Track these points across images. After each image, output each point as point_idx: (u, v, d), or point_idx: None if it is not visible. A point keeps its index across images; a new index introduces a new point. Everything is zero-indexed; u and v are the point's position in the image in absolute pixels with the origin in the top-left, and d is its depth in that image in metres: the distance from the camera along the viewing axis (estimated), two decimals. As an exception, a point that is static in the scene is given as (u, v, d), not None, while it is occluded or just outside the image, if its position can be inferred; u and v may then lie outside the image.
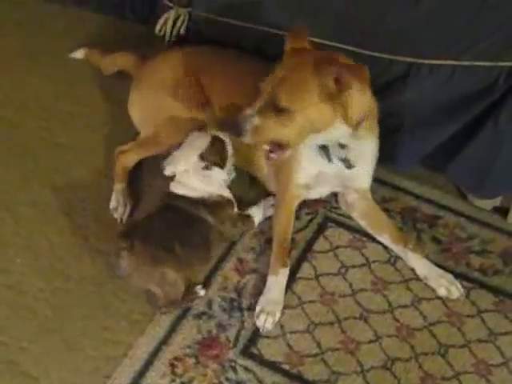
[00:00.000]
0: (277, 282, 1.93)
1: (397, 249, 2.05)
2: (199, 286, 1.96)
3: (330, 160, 1.93)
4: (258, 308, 1.90)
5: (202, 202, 1.97)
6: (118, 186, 2.18)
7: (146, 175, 2.26)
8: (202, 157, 1.96)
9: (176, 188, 1.99)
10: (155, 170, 2.09)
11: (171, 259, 1.84)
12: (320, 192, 2.12)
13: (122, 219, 2.14)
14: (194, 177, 1.97)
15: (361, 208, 2.11)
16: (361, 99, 1.77)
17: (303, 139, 1.80)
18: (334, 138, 1.84)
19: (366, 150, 1.96)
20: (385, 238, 2.07)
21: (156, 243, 1.84)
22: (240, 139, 1.80)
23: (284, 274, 1.95)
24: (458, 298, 1.95)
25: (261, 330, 1.87)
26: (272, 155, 1.84)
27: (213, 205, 1.98)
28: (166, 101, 2.16)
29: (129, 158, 2.20)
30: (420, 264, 2.01)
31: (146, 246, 1.82)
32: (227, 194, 2.03)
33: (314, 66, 1.71)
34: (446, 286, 1.96)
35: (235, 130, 1.78)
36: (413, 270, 2.01)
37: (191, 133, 2.04)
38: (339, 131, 1.80)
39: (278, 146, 1.81)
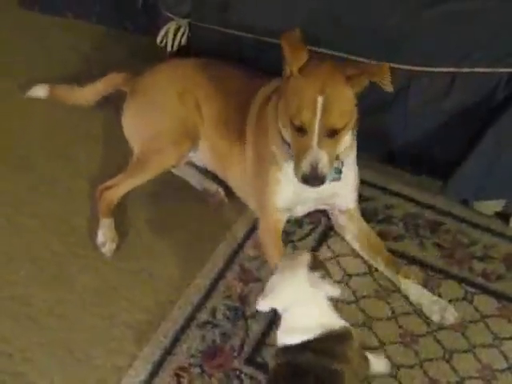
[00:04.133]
0: None
1: (390, 274, 2.01)
2: None
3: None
4: None
5: (318, 346, 1.55)
6: (105, 222, 2.11)
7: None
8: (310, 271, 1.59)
9: (287, 338, 1.59)
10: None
11: None
12: (303, 210, 2.10)
13: (110, 254, 2.07)
14: (310, 303, 1.58)
15: (352, 231, 2.08)
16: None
17: None
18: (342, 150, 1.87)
19: (347, 170, 1.95)
20: (378, 263, 2.03)
21: None
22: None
23: None
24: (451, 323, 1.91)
25: None
26: None
27: (332, 343, 1.57)
28: (167, 109, 2.15)
29: (116, 192, 2.14)
30: (413, 291, 1.96)
31: None
32: (339, 320, 1.64)
33: (346, 81, 1.75)
34: (440, 312, 1.91)
35: (318, 179, 1.77)
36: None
37: (283, 258, 1.77)
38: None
39: None
